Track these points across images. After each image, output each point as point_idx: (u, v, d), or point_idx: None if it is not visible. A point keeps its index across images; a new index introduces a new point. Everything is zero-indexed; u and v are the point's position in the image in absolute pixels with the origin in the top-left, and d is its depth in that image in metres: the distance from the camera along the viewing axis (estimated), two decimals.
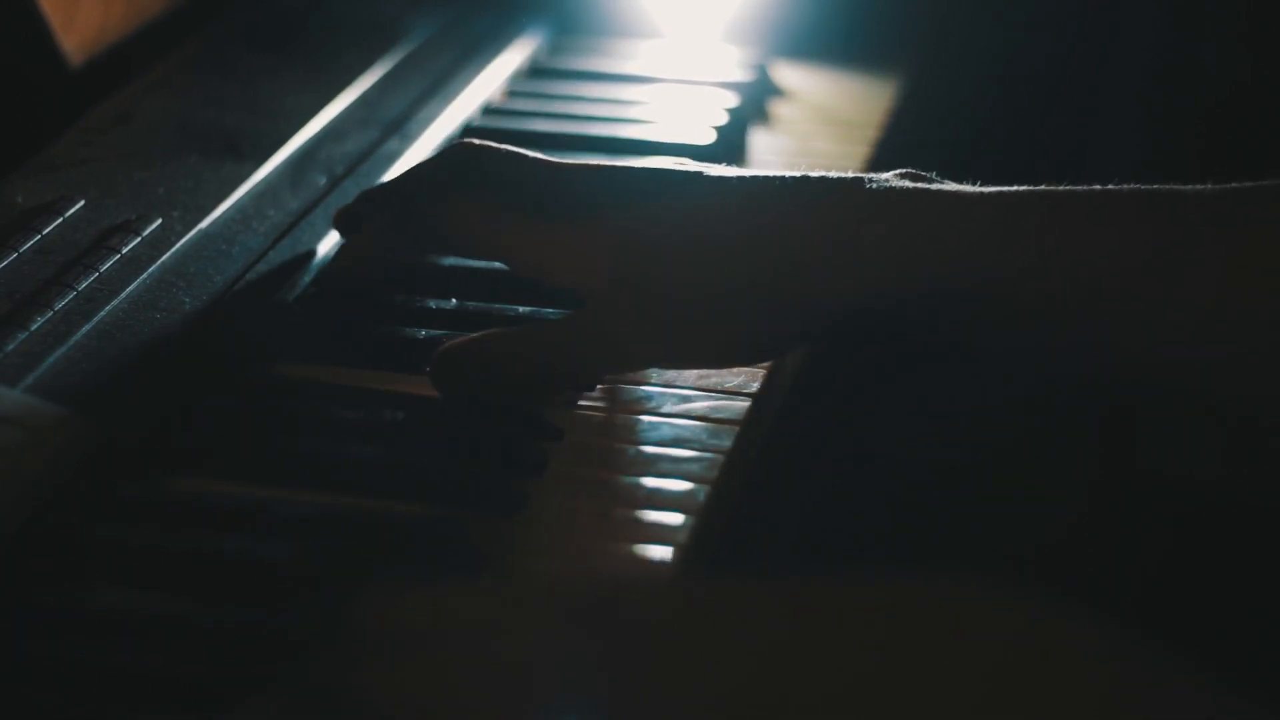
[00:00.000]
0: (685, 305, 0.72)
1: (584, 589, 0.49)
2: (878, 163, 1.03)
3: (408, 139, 0.95)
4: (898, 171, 0.73)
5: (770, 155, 1.03)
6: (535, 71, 1.09)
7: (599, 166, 0.77)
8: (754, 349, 0.74)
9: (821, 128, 1.07)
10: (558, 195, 0.75)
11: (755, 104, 1.07)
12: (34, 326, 0.73)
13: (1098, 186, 0.71)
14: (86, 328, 0.74)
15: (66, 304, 0.75)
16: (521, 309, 0.81)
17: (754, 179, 0.74)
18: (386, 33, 1.07)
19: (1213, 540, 1.09)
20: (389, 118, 0.97)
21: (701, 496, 0.70)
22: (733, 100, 1.04)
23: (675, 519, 0.69)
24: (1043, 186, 0.71)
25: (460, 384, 0.73)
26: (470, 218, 0.76)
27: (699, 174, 0.75)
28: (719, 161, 0.97)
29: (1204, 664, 0.45)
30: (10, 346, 0.72)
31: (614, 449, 0.73)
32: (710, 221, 0.73)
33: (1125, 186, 0.71)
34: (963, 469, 1.02)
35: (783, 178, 0.74)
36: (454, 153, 0.78)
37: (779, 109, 1.09)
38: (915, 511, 1.04)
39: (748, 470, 0.76)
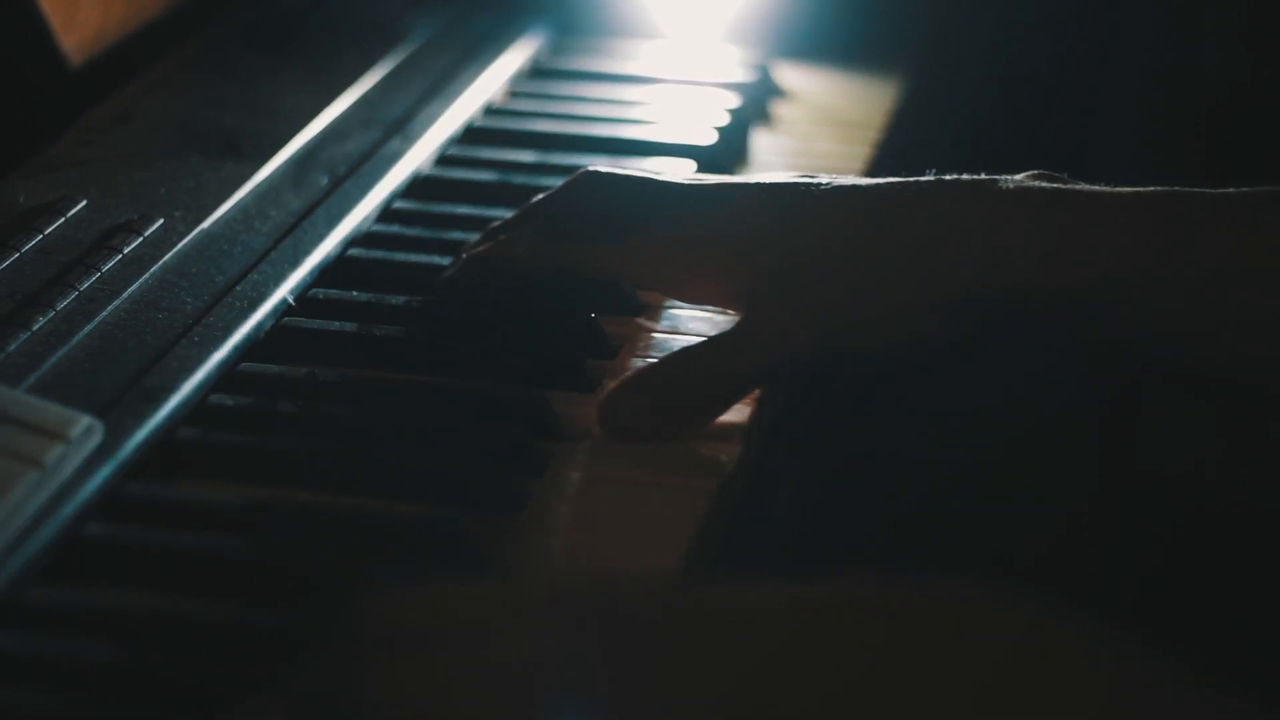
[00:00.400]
0: (850, 317, 0.74)
1: (584, 589, 0.49)
2: (879, 163, 1.03)
3: (409, 139, 0.95)
4: (1031, 173, 0.75)
5: (772, 156, 1.03)
6: (537, 72, 1.09)
7: (720, 183, 0.78)
8: (917, 352, 0.75)
9: (823, 128, 1.07)
10: (694, 213, 0.77)
11: (757, 104, 1.07)
12: (36, 326, 0.73)
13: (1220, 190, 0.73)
14: (88, 328, 0.74)
15: (68, 304, 0.75)
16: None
17: (881, 186, 0.76)
18: (387, 33, 1.07)
19: (1213, 540, 1.09)
20: (390, 118, 0.97)
21: (702, 496, 0.70)
22: (734, 101, 1.04)
23: (675, 518, 0.69)
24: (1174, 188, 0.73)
25: (640, 425, 0.74)
26: (619, 254, 0.77)
27: (819, 185, 0.76)
28: (719, 162, 0.98)
29: (1204, 664, 0.45)
30: (12, 346, 0.72)
31: (614, 449, 0.73)
32: (863, 233, 0.75)
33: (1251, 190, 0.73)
34: (963, 469, 1.02)
35: (915, 182, 0.75)
36: (580, 185, 0.79)
37: (780, 109, 1.09)
38: (915, 511, 1.04)
39: (748, 470, 0.76)
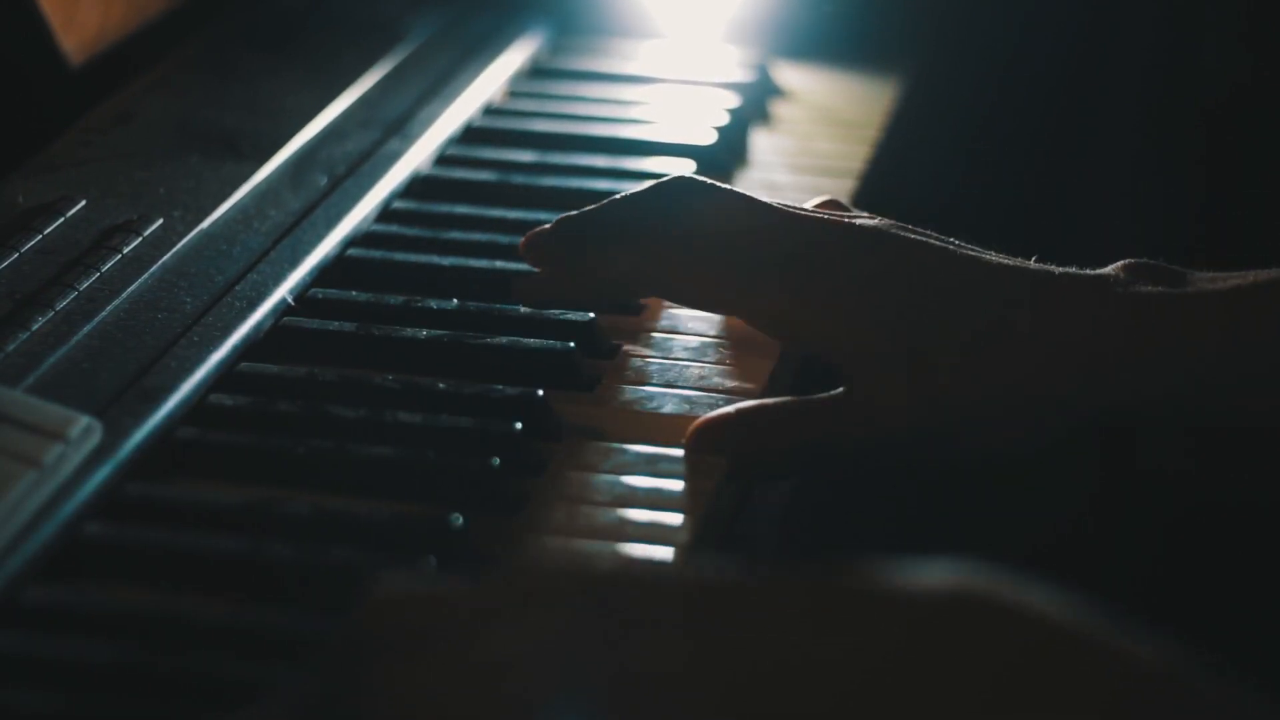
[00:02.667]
0: (970, 416, 0.72)
1: (584, 589, 0.49)
2: (880, 162, 1.03)
3: (408, 139, 0.95)
4: (1122, 263, 0.74)
5: (771, 155, 1.03)
6: (536, 72, 1.09)
7: (830, 222, 0.75)
8: (1031, 447, 0.74)
9: (822, 128, 1.07)
10: (802, 251, 0.74)
11: (756, 104, 1.07)
12: (35, 326, 0.73)
13: None
14: (87, 328, 0.74)
15: (67, 304, 0.75)
16: (522, 309, 0.81)
17: (1022, 272, 0.74)
18: (387, 33, 1.07)
19: (1213, 540, 1.09)
20: (390, 118, 0.97)
21: (701, 496, 0.70)
22: (734, 100, 1.04)
23: (675, 519, 0.69)
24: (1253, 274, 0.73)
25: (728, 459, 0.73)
26: (696, 270, 0.75)
27: (956, 250, 0.74)
28: (720, 162, 0.98)
29: (1204, 664, 0.45)
30: (11, 346, 0.72)
31: (614, 449, 0.73)
32: (1005, 321, 0.72)
33: None
34: (963, 469, 1.02)
35: (1047, 274, 0.73)
36: (670, 188, 0.77)
37: (780, 109, 1.09)
38: (915, 511, 1.04)
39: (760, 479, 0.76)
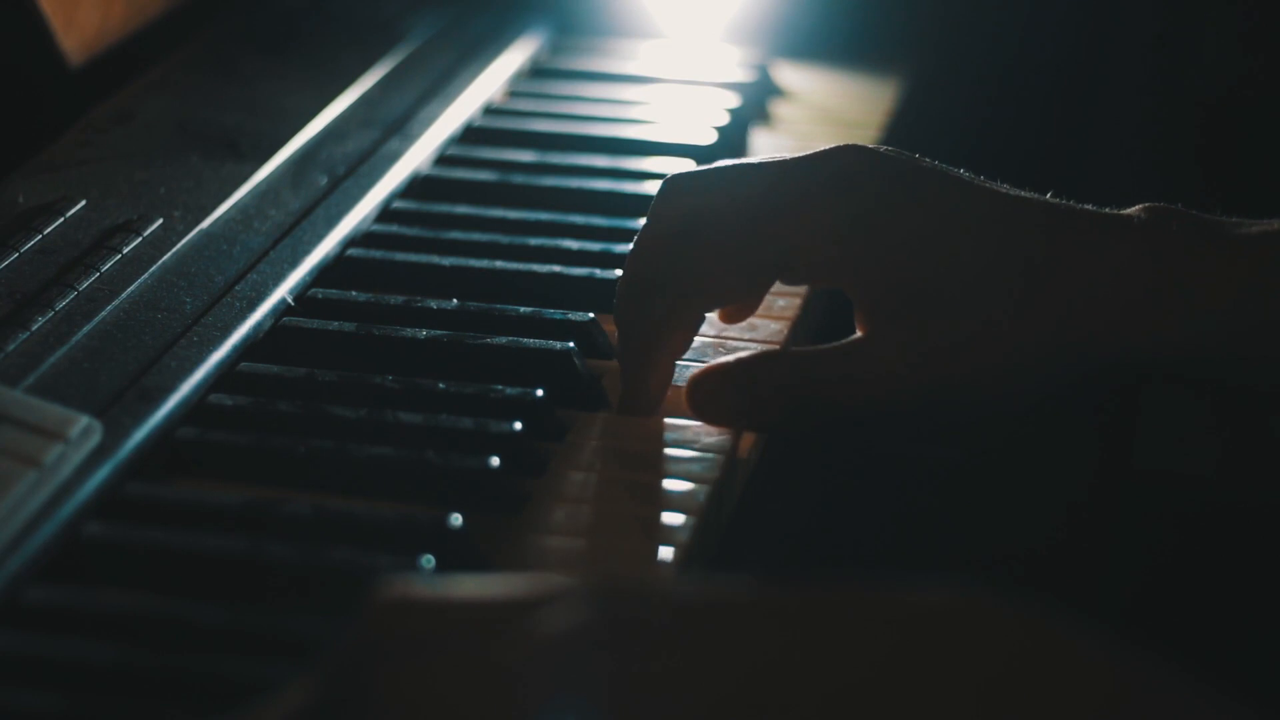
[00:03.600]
0: (978, 348, 0.71)
1: (584, 591, 0.49)
2: None
3: (409, 139, 0.95)
4: (1144, 206, 0.72)
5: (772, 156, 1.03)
6: (536, 72, 1.09)
7: (844, 151, 0.73)
8: (1047, 396, 0.72)
9: (822, 128, 1.07)
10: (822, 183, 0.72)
11: (756, 104, 1.07)
12: (35, 326, 0.73)
13: None
14: (87, 328, 0.74)
15: (67, 304, 0.75)
16: (522, 309, 0.81)
17: (1039, 206, 0.72)
18: (387, 33, 1.07)
19: (1213, 540, 1.09)
20: (390, 118, 0.97)
21: (701, 497, 0.70)
22: (734, 100, 1.04)
23: (675, 519, 0.69)
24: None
25: (718, 411, 0.73)
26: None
27: (968, 182, 0.72)
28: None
29: (1203, 664, 0.45)
30: (11, 346, 0.72)
31: (614, 449, 0.73)
32: (1024, 261, 0.71)
33: None
34: (962, 469, 1.02)
35: (1049, 205, 0.72)
36: (661, 198, 0.75)
37: (780, 109, 1.09)
38: (914, 511, 1.04)
39: (748, 470, 0.76)
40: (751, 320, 0.81)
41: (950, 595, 0.46)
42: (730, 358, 0.74)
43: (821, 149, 0.73)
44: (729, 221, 0.73)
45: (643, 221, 0.76)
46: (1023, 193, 0.73)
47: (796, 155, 0.73)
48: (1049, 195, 0.73)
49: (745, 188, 0.73)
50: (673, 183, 0.75)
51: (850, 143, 0.74)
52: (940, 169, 0.73)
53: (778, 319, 0.83)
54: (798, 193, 0.72)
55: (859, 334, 0.72)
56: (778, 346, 0.80)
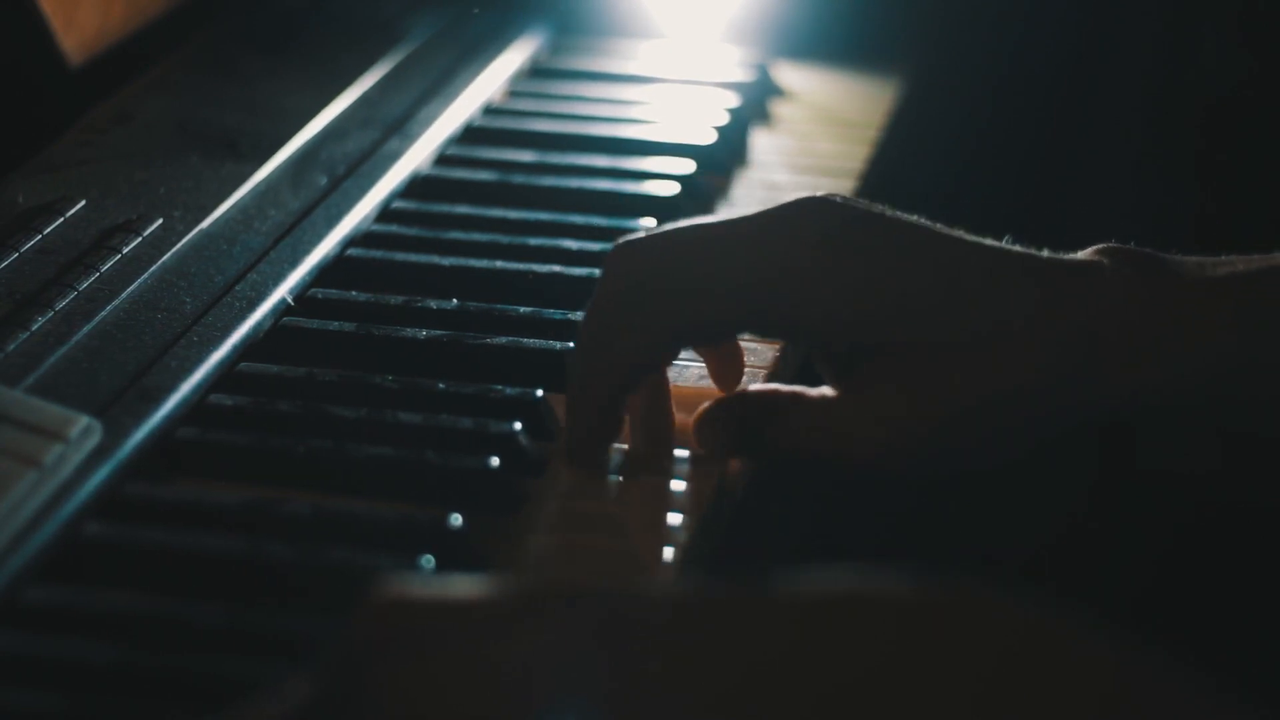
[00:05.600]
0: (975, 431, 0.69)
1: (584, 590, 0.49)
2: (880, 162, 1.03)
3: (408, 139, 0.95)
4: (1098, 248, 0.70)
5: (771, 155, 1.03)
6: (536, 71, 1.09)
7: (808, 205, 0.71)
8: (1020, 452, 0.71)
9: (822, 128, 1.07)
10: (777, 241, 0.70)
11: (756, 104, 1.07)
12: (35, 326, 0.73)
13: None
14: (87, 328, 0.74)
15: (67, 304, 0.75)
16: (522, 309, 0.81)
17: (995, 250, 0.70)
18: (387, 33, 1.07)
19: (1213, 540, 1.09)
20: (390, 117, 0.97)
21: (702, 496, 0.70)
22: (734, 100, 1.04)
23: (675, 519, 0.69)
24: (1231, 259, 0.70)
25: (718, 446, 0.72)
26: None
27: (942, 235, 0.70)
28: (720, 161, 0.98)
29: (1204, 664, 0.45)
30: (11, 346, 0.72)
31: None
32: (983, 298, 0.69)
33: None
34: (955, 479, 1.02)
35: (1015, 255, 0.70)
36: (610, 261, 0.71)
37: (780, 109, 1.09)
38: (914, 511, 1.04)
39: (748, 470, 0.76)
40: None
41: (949, 591, 0.46)
42: (733, 396, 0.74)
43: (780, 204, 0.71)
44: (685, 283, 0.70)
45: (641, 223, 0.76)
46: (984, 240, 0.71)
47: (754, 211, 0.71)
48: (1006, 240, 0.71)
49: (702, 247, 0.71)
50: (623, 246, 0.71)
51: (809, 195, 0.71)
52: (902, 219, 0.71)
53: (772, 344, 0.81)
54: (757, 251, 0.70)
55: (834, 391, 0.71)
56: (777, 347, 0.80)
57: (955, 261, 0.70)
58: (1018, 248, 0.71)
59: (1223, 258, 0.70)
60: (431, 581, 0.62)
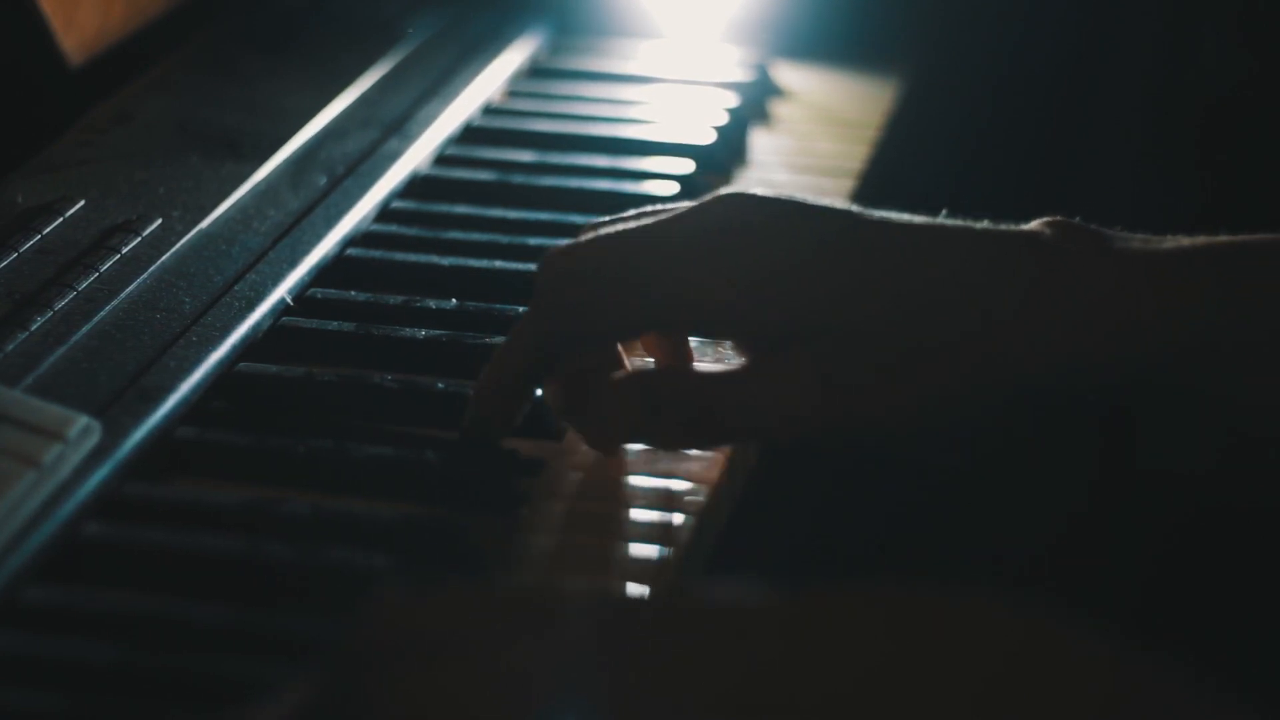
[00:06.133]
0: (881, 364, 0.67)
1: (584, 590, 0.49)
2: (879, 162, 1.03)
3: (408, 139, 0.95)
4: (1044, 220, 0.69)
5: (771, 155, 1.03)
6: (536, 71, 1.09)
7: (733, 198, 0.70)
8: (942, 417, 0.68)
9: (822, 127, 1.07)
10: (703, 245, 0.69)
11: (756, 104, 1.07)
12: (34, 326, 0.73)
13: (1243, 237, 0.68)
14: (86, 328, 0.74)
15: (66, 304, 0.75)
16: (521, 309, 0.81)
17: (926, 229, 0.68)
18: (386, 33, 1.07)
19: (1213, 540, 1.09)
20: (389, 117, 0.97)
21: (702, 496, 0.70)
22: (733, 100, 1.04)
23: (675, 519, 0.69)
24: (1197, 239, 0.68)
25: (617, 426, 0.70)
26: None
27: (858, 217, 0.69)
28: (719, 161, 0.98)
29: (1204, 665, 0.45)
30: (10, 346, 0.72)
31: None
32: (908, 274, 0.67)
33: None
34: (962, 469, 1.02)
35: (964, 228, 0.68)
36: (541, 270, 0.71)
37: (779, 109, 1.09)
38: (914, 511, 1.04)
39: (748, 470, 0.76)
40: None
41: (949, 597, 0.46)
42: (626, 371, 0.71)
43: (704, 199, 0.70)
44: (617, 278, 0.69)
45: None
46: (915, 219, 0.69)
47: (679, 209, 0.70)
48: (942, 214, 0.70)
49: (628, 246, 0.69)
50: (552, 254, 0.71)
51: (732, 190, 0.71)
52: (826, 205, 0.70)
53: None
54: (683, 244, 0.69)
55: (750, 363, 0.69)
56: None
57: (881, 246, 0.68)
58: (957, 223, 0.69)
59: (1169, 237, 0.69)
60: (432, 584, 0.62)
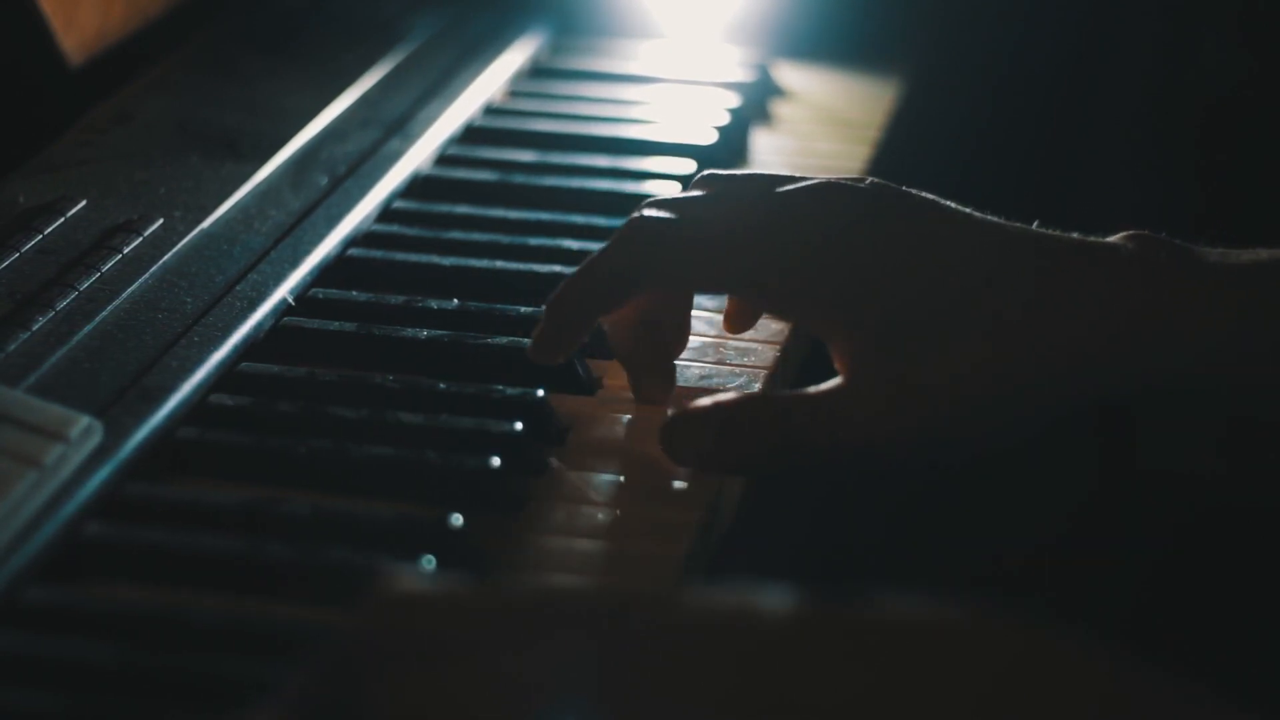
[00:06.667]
0: (962, 389, 0.68)
1: (583, 590, 0.49)
2: (880, 162, 1.03)
3: (409, 138, 0.95)
4: (1125, 234, 0.71)
5: (772, 155, 1.03)
6: (537, 71, 1.09)
7: (818, 187, 0.72)
8: (1031, 431, 0.70)
9: (823, 127, 1.07)
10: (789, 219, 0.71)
11: (757, 104, 1.07)
12: (35, 326, 0.73)
13: None
14: (88, 328, 0.74)
15: (68, 304, 0.75)
16: (522, 309, 0.81)
17: (1020, 234, 0.70)
18: (387, 33, 1.07)
19: (1213, 540, 1.09)
20: (390, 117, 0.97)
21: (704, 496, 0.70)
22: (734, 100, 1.04)
23: (677, 518, 0.69)
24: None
25: (694, 455, 0.70)
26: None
27: (954, 214, 0.71)
28: (720, 161, 0.98)
29: (1204, 665, 0.45)
30: (12, 346, 0.72)
31: (615, 449, 0.73)
32: (997, 285, 0.69)
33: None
34: (962, 469, 1.02)
35: (1036, 235, 0.70)
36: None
37: (780, 109, 1.09)
38: (914, 512, 1.04)
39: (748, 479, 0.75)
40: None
41: (946, 610, 0.46)
42: (707, 401, 0.71)
43: (805, 183, 0.72)
44: (706, 233, 0.72)
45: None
46: (1008, 223, 0.71)
47: (781, 188, 0.72)
48: (1035, 224, 0.72)
49: (725, 205, 0.72)
50: (650, 201, 0.74)
51: (833, 178, 0.73)
52: (927, 200, 0.72)
53: (773, 344, 0.81)
54: (780, 219, 0.71)
55: (840, 379, 0.70)
56: (778, 347, 0.80)
57: (972, 245, 0.70)
58: (1045, 231, 0.71)
59: (1248, 250, 0.70)
60: (429, 582, 0.62)
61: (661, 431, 0.71)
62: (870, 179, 0.73)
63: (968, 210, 0.72)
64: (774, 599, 0.47)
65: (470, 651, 0.46)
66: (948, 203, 0.72)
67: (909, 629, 0.46)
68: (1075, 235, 0.71)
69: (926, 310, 0.69)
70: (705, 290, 0.80)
